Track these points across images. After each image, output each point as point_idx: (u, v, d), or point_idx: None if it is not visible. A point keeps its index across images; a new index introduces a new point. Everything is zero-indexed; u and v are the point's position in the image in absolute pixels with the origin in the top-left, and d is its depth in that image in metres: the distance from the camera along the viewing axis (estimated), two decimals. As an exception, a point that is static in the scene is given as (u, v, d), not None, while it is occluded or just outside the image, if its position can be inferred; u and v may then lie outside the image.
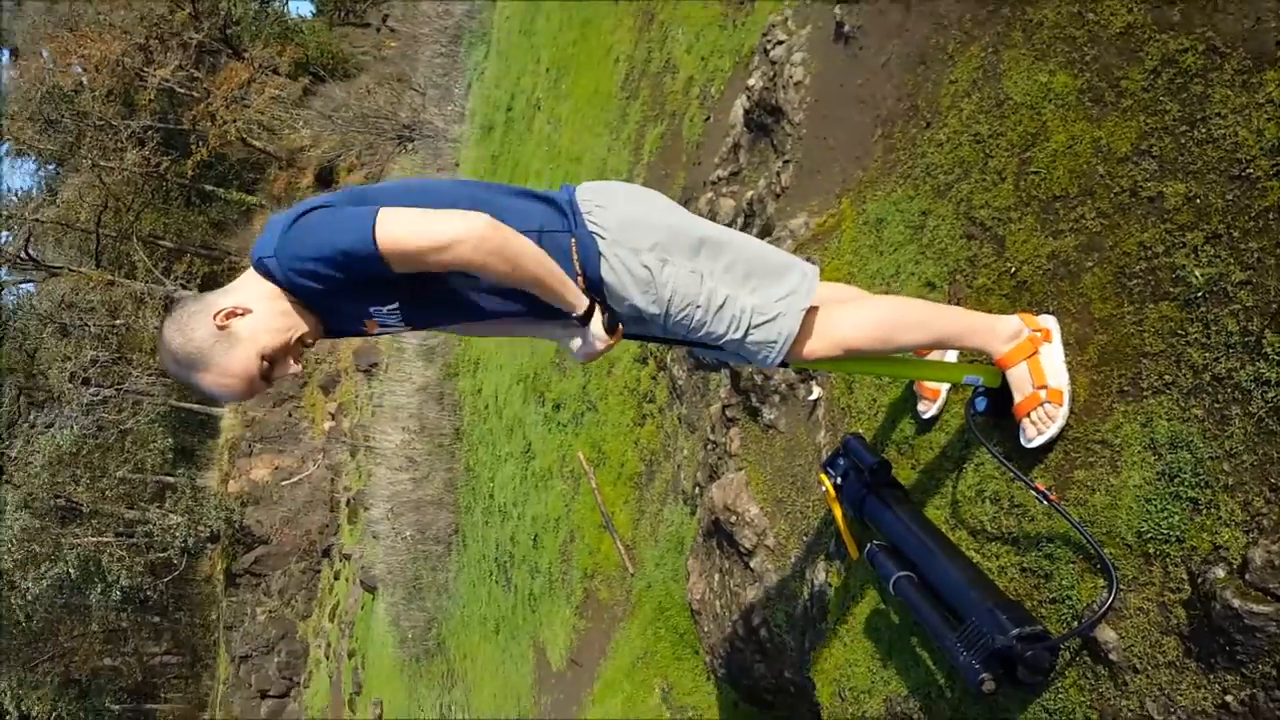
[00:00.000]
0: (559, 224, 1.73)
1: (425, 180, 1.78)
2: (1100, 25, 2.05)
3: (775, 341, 1.79)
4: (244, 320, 1.59)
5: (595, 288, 1.75)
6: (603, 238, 1.73)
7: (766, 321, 1.78)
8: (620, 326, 1.76)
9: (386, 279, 1.58)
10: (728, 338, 1.80)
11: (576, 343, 1.78)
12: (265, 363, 1.62)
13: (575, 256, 1.72)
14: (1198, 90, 1.78)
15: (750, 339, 1.79)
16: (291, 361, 1.66)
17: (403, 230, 1.52)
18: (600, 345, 1.74)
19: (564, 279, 1.68)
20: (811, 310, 1.83)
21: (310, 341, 1.67)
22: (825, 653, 2.77)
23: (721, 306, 1.77)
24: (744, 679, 3.56)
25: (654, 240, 1.74)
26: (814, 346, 1.83)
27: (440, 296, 1.69)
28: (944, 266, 2.43)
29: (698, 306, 1.76)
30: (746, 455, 3.55)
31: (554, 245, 1.70)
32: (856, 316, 1.88)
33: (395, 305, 1.67)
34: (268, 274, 1.60)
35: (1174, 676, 1.62)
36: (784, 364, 1.87)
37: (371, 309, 1.67)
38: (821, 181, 3.41)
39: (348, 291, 1.60)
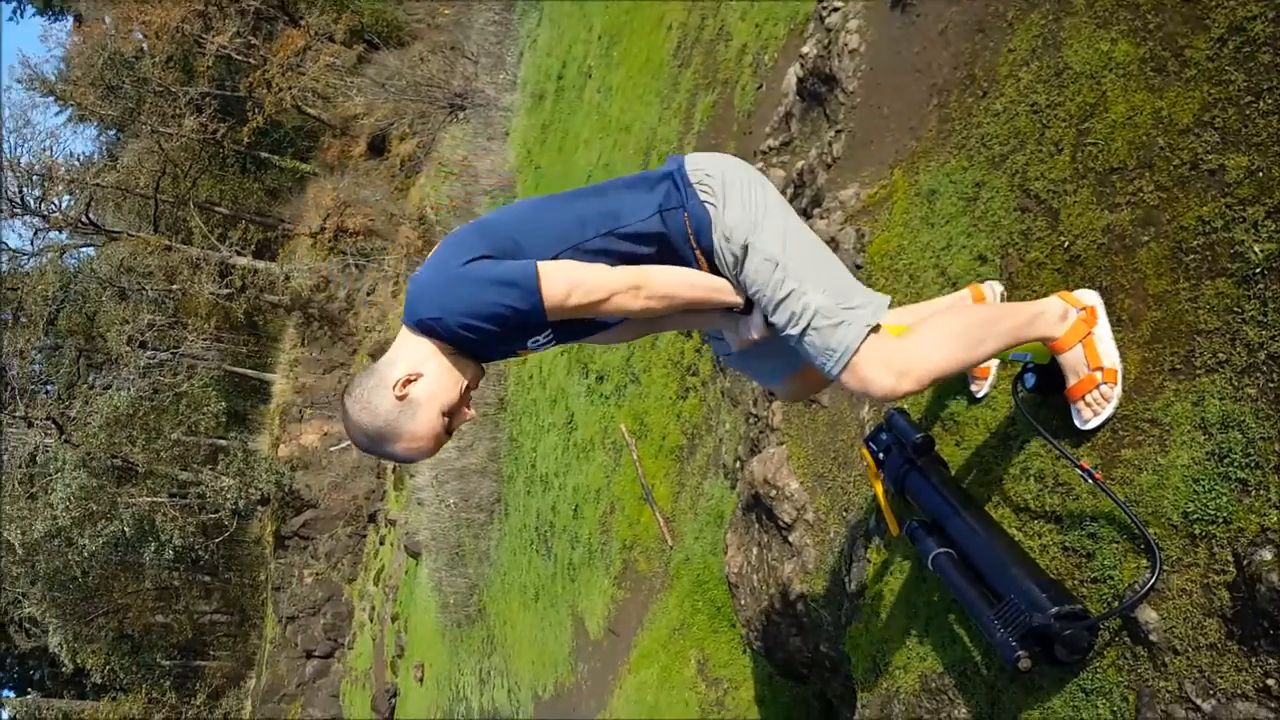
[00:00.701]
0: (674, 200, 1.79)
1: (544, 199, 1.86)
2: (1165, -8, 1.98)
3: (834, 350, 1.72)
4: (419, 385, 1.69)
5: (709, 256, 1.80)
6: (714, 206, 1.77)
7: (829, 325, 1.72)
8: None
9: (546, 322, 1.70)
10: (785, 331, 1.77)
11: (738, 331, 1.86)
12: (445, 417, 1.72)
13: (689, 229, 1.77)
14: (1265, 59, 1.72)
15: (807, 340, 1.74)
16: (465, 409, 1.77)
17: (565, 290, 1.66)
18: (756, 334, 1.82)
19: (716, 283, 1.78)
20: (890, 345, 1.74)
21: (475, 387, 1.78)
22: (861, 627, 2.76)
23: (786, 298, 1.74)
24: (779, 652, 3.57)
25: (746, 223, 1.76)
26: (902, 385, 1.73)
27: (595, 321, 1.80)
28: (996, 240, 2.38)
29: (764, 295, 1.77)
30: (788, 430, 3.53)
31: (673, 220, 1.78)
32: (930, 345, 1.77)
33: (549, 333, 1.76)
34: (429, 332, 1.70)
35: (1215, 659, 1.60)
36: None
37: (529, 342, 1.77)
38: (874, 151, 3.36)
39: (510, 336, 1.72)
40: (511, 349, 1.78)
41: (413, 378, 1.69)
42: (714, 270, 1.81)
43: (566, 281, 1.66)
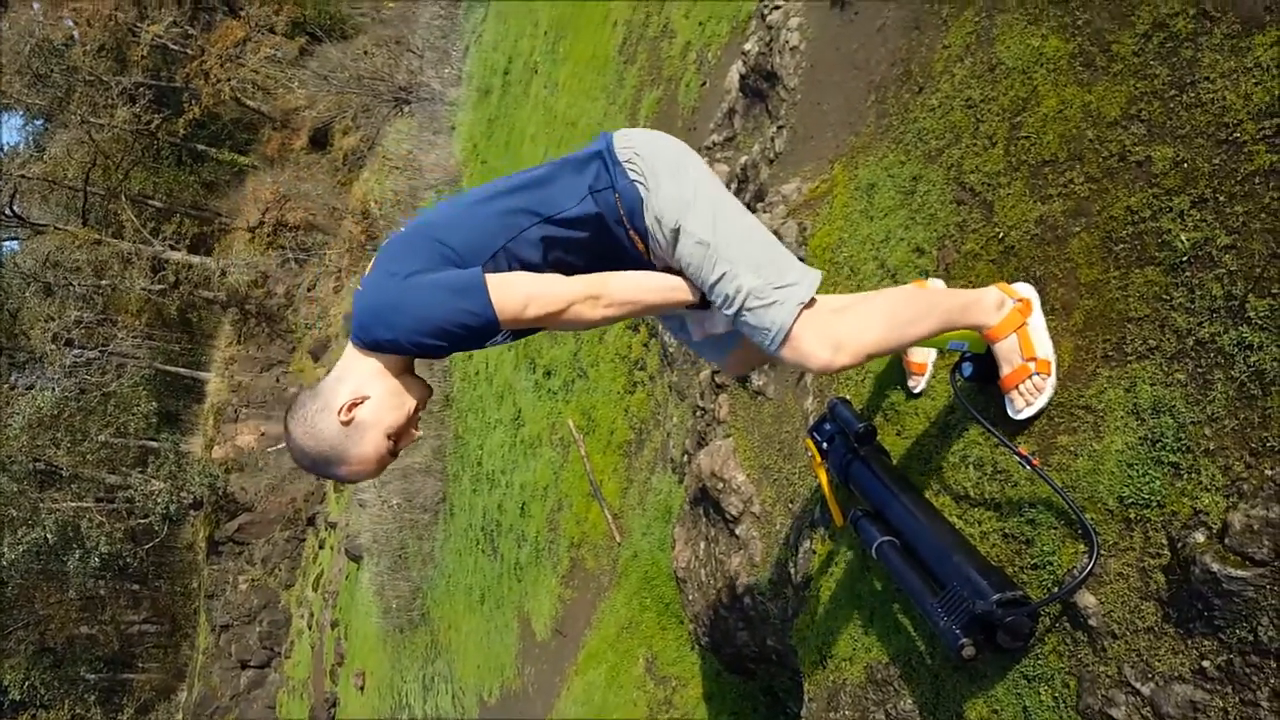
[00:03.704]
0: (604, 180, 1.75)
1: (477, 196, 1.79)
2: (1095, -12, 2.03)
3: (769, 329, 1.73)
4: (365, 408, 1.66)
5: (642, 236, 1.77)
6: (643, 185, 1.74)
7: (762, 305, 1.73)
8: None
9: (500, 330, 1.68)
10: (721, 311, 1.78)
11: (700, 326, 1.86)
12: (391, 440, 1.70)
13: (621, 209, 1.74)
14: (1187, 54, 1.77)
15: (743, 319, 1.75)
16: (412, 430, 1.75)
17: (521, 304, 1.64)
18: (722, 328, 1.82)
19: (673, 286, 1.77)
20: (826, 318, 1.75)
21: (422, 408, 1.76)
22: (807, 620, 2.78)
23: (718, 281, 1.73)
24: (727, 647, 3.58)
25: (682, 200, 1.73)
26: (837, 359, 1.74)
27: None
28: (933, 232, 2.41)
29: (698, 277, 1.76)
30: (735, 422, 3.54)
31: (605, 201, 1.74)
32: (864, 322, 1.79)
33: (508, 333, 1.73)
34: (379, 349, 1.67)
35: (1152, 642, 1.63)
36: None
37: (487, 343, 1.75)
38: (815, 147, 3.38)
39: (465, 345, 1.71)
40: (470, 350, 1.77)
41: (358, 401, 1.66)
42: (648, 249, 1.79)
43: (523, 296, 1.64)
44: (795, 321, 1.72)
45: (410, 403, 1.71)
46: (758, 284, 1.73)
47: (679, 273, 1.80)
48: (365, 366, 1.68)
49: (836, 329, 1.75)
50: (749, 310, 1.73)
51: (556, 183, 1.76)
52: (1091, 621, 1.73)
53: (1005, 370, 1.96)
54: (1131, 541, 1.68)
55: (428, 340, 1.63)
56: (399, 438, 1.72)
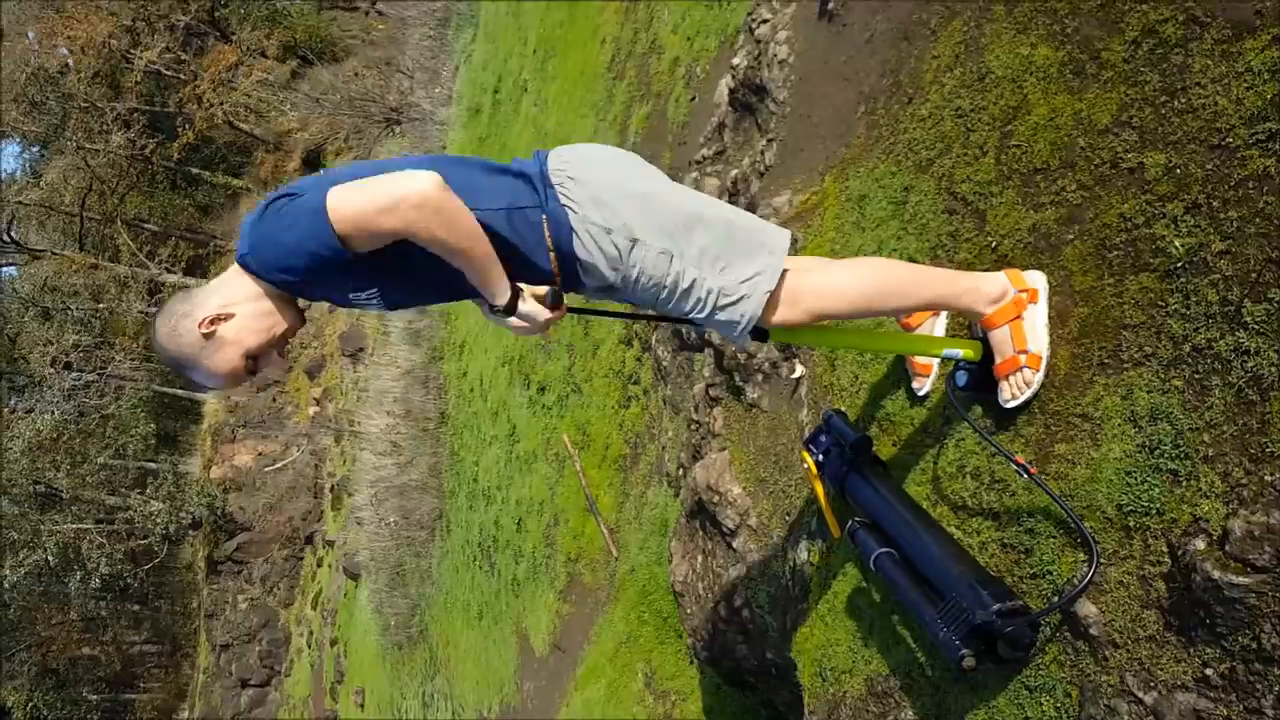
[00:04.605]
0: (530, 199, 1.71)
1: (396, 159, 1.77)
2: (1083, -4, 2.03)
3: (738, 322, 1.79)
4: (228, 324, 1.65)
5: (569, 262, 1.73)
6: (575, 212, 1.70)
7: (731, 303, 1.78)
8: (564, 304, 1.74)
9: (352, 261, 1.57)
10: (692, 315, 1.81)
11: (487, 312, 1.76)
12: (250, 360, 1.69)
13: (547, 232, 1.70)
14: (1178, 60, 1.77)
15: (716, 318, 1.80)
16: (276, 355, 1.73)
17: (352, 200, 1.52)
18: (522, 327, 1.72)
19: (493, 264, 1.64)
20: (786, 274, 1.80)
21: (293, 335, 1.72)
22: (807, 632, 2.76)
23: (688, 289, 1.76)
24: (726, 661, 3.55)
25: (625, 218, 1.71)
26: (787, 314, 1.81)
27: (414, 276, 1.68)
28: (926, 242, 2.40)
29: (664, 287, 1.76)
30: (730, 435, 3.53)
31: (524, 221, 1.69)
32: (833, 283, 1.86)
33: (374, 290, 1.68)
34: (250, 271, 1.64)
35: (1154, 650, 1.61)
36: (763, 335, 1.85)
37: (351, 295, 1.70)
38: (805, 159, 3.38)
39: (322, 279, 1.63)
40: (337, 295, 1.70)
41: (223, 316, 1.65)
42: (565, 274, 1.74)
43: (356, 190, 1.53)
44: (764, 309, 1.77)
45: (278, 328, 1.69)
46: (725, 282, 1.76)
47: (606, 288, 1.77)
48: (241, 284, 1.66)
49: (803, 286, 1.81)
50: (719, 308, 1.78)
51: (486, 181, 1.71)
52: (1092, 630, 1.71)
53: (998, 359, 1.97)
54: (1131, 549, 1.67)
55: (274, 259, 1.60)
56: (259, 359, 1.70)
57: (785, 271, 1.80)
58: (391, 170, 1.60)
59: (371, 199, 1.52)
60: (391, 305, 1.75)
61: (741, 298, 1.77)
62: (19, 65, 21.57)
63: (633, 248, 1.71)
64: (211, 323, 1.64)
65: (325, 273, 1.60)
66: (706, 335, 4.05)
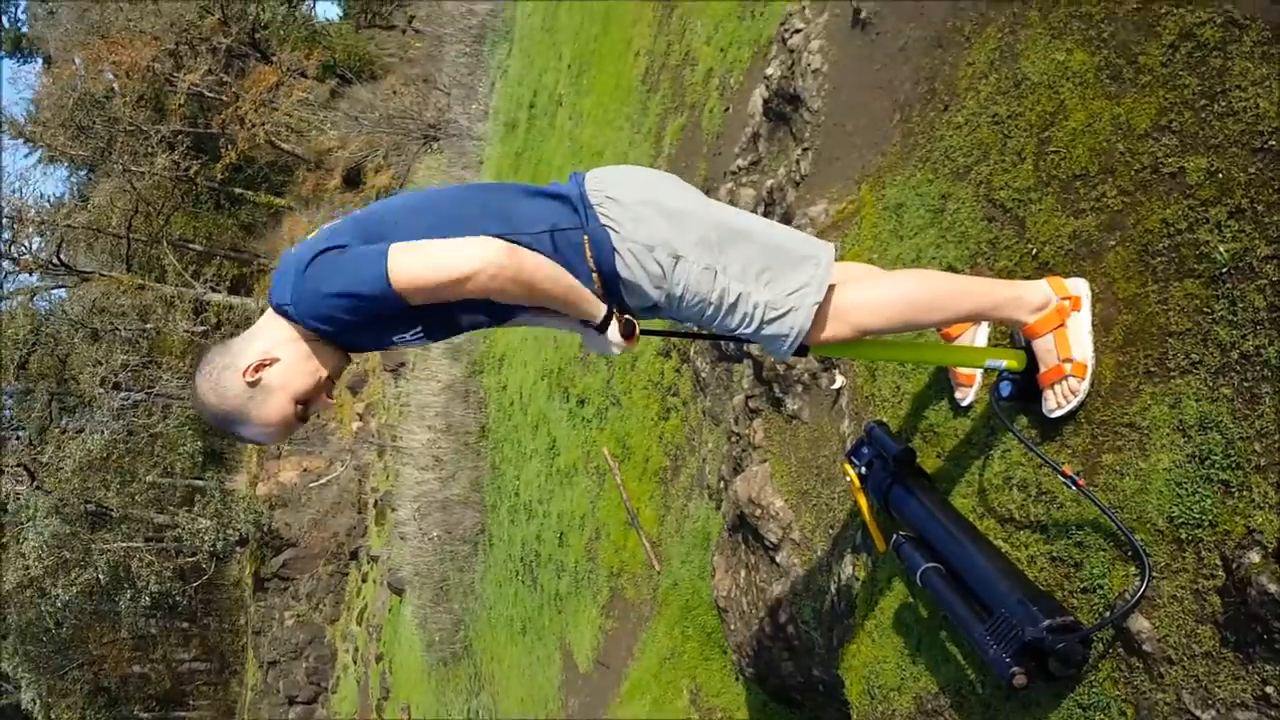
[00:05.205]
0: (571, 221, 1.70)
1: (430, 192, 1.76)
2: (1116, 1, 2.00)
3: (787, 335, 1.77)
4: (272, 370, 1.61)
5: (611, 282, 1.73)
6: (616, 232, 1.70)
7: (778, 316, 1.75)
8: (637, 332, 1.75)
9: (406, 310, 1.58)
10: (739, 332, 1.78)
11: (594, 342, 1.77)
12: (299, 405, 1.65)
13: (589, 253, 1.70)
14: (1217, 64, 1.73)
15: (763, 333, 1.77)
16: (324, 397, 1.69)
17: (417, 269, 1.52)
18: (616, 350, 1.75)
19: (580, 293, 1.67)
20: (832, 289, 1.78)
21: (337, 377, 1.70)
22: (854, 649, 2.73)
23: (734, 304, 1.74)
24: (772, 678, 3.52)
25: (667, 235, 1.70)
26: (832, 330, 1.79)
27: (460, 309, 1.67)
28: (965, 250, 2.38)
29: (709, 304, 1.74)
30: (770, 447, 3.51)
31: (566, 243, 1.69)
32: (875, 297, 1.84)
33: (418, 329, 1.67)
34: (287, 317, 1.62)
35: (1211, 667, 1.57)
36: (804, 351, 1.83)
37: (395, 337, 1.68)
38: (840, 168, 3.36)
39: (369, 327, 1.62)
40: (379, 342, 1.70)
41: (267, 362, 1.61)
42: (607, 292, 1.74)
43: (421, 258, 1.53)
44: (811, 324, 1.75)
45: (322, 370, 1.65)
46: (771, 296, 1.74)
47: (651, 308, 1.77)
48: (280, 328, 1.63)
49: (845, 302, 1.79)
50: (767, 323, 1.75)
51: (523, 205, 1.71)
52: (1146, 647, 1.67)
53: (1042, 368, 1.94)
54: (1184, 563, 1.63)
55: (324, 311, 1.57)
56: (309, 403, 1.66)
57: (835, 297, 1.78)
58: (442, 211, 1.63)
59: (439, 272, 1.53)
60: (435, 339, 1.75)
61: (789, 310, 1.74)
62: (66, 91, 22.18)
63: (675, 265, 1.70)
64: (255, 370, 1.61)
65: (373, 324, 1.61)
66: (745, 346, 4.03)
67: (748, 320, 1.75)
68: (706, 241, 1.72)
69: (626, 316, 1.74)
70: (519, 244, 1.62)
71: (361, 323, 1.59)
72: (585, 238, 1.69)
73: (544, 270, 1.61)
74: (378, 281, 1.52)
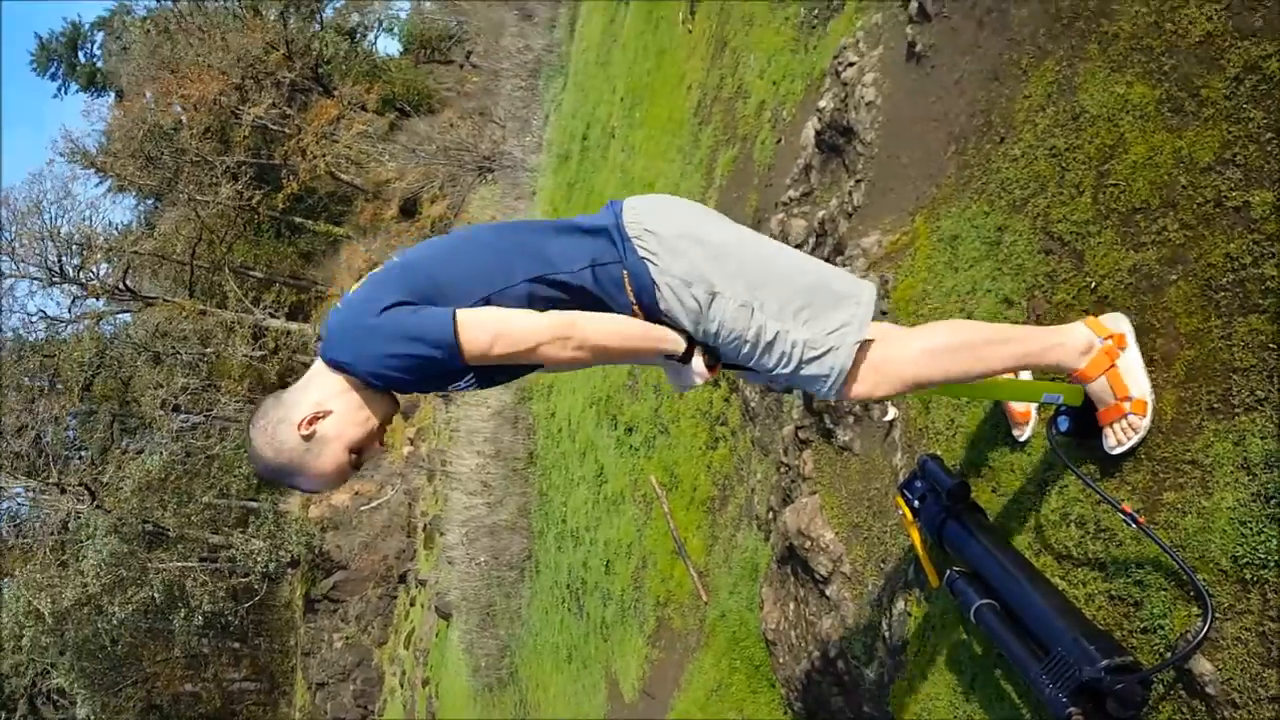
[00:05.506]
0: (610, 255, 1.71)
1: (472, 232, 1.79)
2: (1178, 34, 1.99)
3: (828, 376, 1.73)
4: (327, 422, 1.65)
5: (652, 316, 1.73)
6: (654, 265, 1.70)
7: (818, 356, 1.72)
8: (720, 361, 1.75)
9: (465, 367, 1.64)
10: (777, 372, 1.74)
11: (678, 374, 1.78)
12: (353, 454, 1.69)
13: (629, 286, 1.70)
14: (1284, 96, 1.71)
15: (802, 373, 1.74)
16: (377, 445, 1.73)
17: (486, 340, 1.59)
18: (699, 381, 1.76)
19: (652, 334, 1.70)
20: (869, 345, 1.75)
21: (388, 424, 1.74)
22: (905, 686, 2.69)
23: (771, 342, 1.71)
24: (821, 713, 3.47)
25: (704, 269, 1.69)
26: (871, 385, 1.75)
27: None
28: (1021, 282, 2.36)
29: (746, 341, 1.72)
30: (820, 478, 3.49)
31: (607, 277, 1.70)
32: (915, 350, 1.78)
33: (471, 377, 1.70)
34: (337, 367, 1.65)
35: (1277, 712, 1.53)
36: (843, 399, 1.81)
37: (449, 386, 1.72)
38: (894, 199, 3.36)
39: (425, 382, 1.67)
40: (432, 389, 1.74)
41: (320, 415, 1.64)
42: (691, 344, 1.74)
43: (489, 333, 1.59)
44: (852, 363, 1.72)
45: (374, 420, 1.68)
46: (810, 335, 1.71)
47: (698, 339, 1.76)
48: (331, 380, 1.66)
49: (881, 357, 1.75)
50: (805, 362, 1.72)
51: (559, 243, 1.72)
52: (1209, 689, 1.63)
53: (1100, 409, 1.91)
54: (1249, 604, 1.59)
55: (385, 372, 1.62)
56: (361, 452, 1.70)
57: (868, 342, 1.75)
58: (485, 254, 1.67)
59: (507, 344, 1.60)
60: (485, 386, 1.78)
61: (829, 350, 1.71)
62: (136, 123, 23.06)
63: (712, 301, 1.69)
64: (310, 422, 1.64)
65: (431, 380, 1.66)
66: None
67: (785, 359, 1.72)
68: (743, 277, 1.70)
69: (708, 345, 1.74)
70: (560, 282, 1.66)
71: (419, 380, 1.65)
72: (625, 272, 1.70)
73: (605, 329, 1.65)
74: (444, 348, 1.58)
